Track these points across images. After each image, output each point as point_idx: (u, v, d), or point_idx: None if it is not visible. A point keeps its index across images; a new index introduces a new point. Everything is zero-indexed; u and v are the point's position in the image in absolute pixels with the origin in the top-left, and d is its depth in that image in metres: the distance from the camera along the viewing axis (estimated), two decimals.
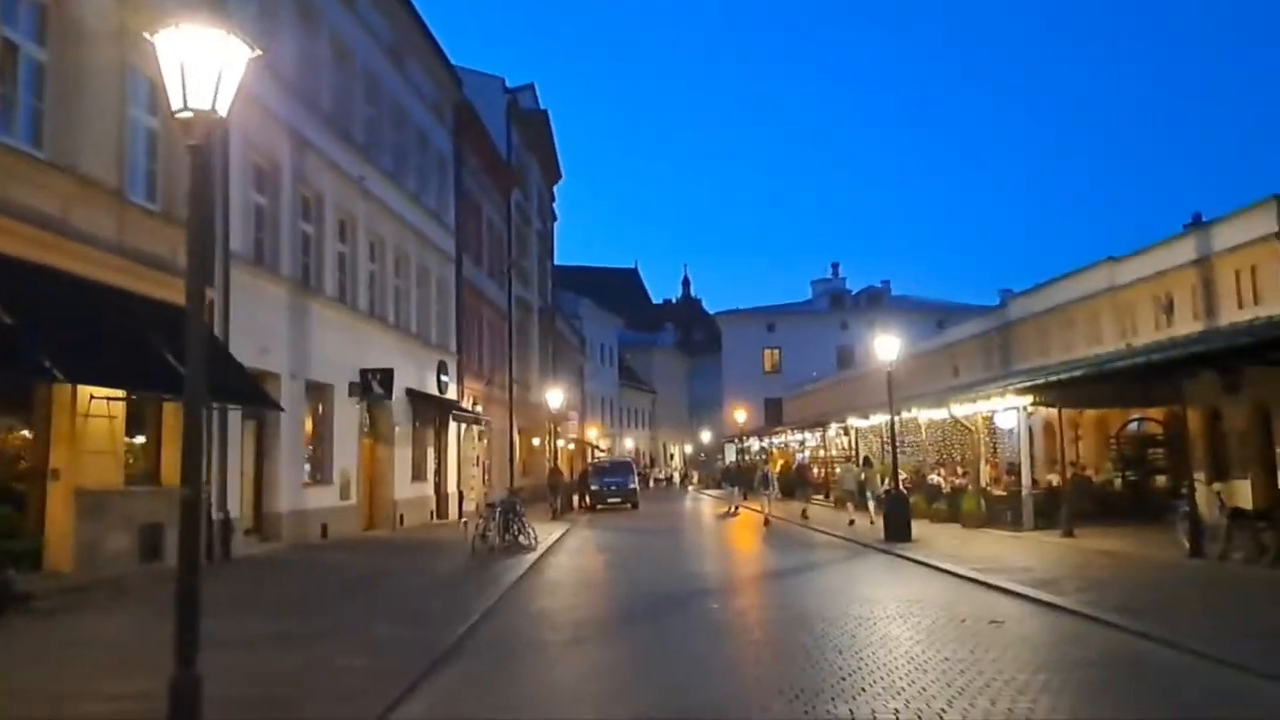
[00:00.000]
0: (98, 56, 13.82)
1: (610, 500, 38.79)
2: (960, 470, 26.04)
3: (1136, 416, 23.12)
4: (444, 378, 30.34)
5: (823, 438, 40.51)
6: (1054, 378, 18.60)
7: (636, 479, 41.63)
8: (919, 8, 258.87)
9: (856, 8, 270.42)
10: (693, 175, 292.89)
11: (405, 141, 28.03)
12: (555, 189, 58.87)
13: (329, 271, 22.33)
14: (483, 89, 38.85)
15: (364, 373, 23.47)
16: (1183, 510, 15.70)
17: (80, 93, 13.50)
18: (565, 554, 19.96)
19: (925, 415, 26.79)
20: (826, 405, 51.69)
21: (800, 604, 11.82)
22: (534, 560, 17.84)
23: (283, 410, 17.37)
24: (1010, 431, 27.28)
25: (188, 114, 5.59)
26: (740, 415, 63.44)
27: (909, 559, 16.81)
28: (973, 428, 23.62)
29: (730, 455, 63.23)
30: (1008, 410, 22.51)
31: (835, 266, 75.42)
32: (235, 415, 17.47)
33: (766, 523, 27.27)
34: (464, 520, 16.27)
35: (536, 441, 45.16)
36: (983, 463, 23.52)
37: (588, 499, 39.25)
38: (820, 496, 36.39)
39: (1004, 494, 22.26)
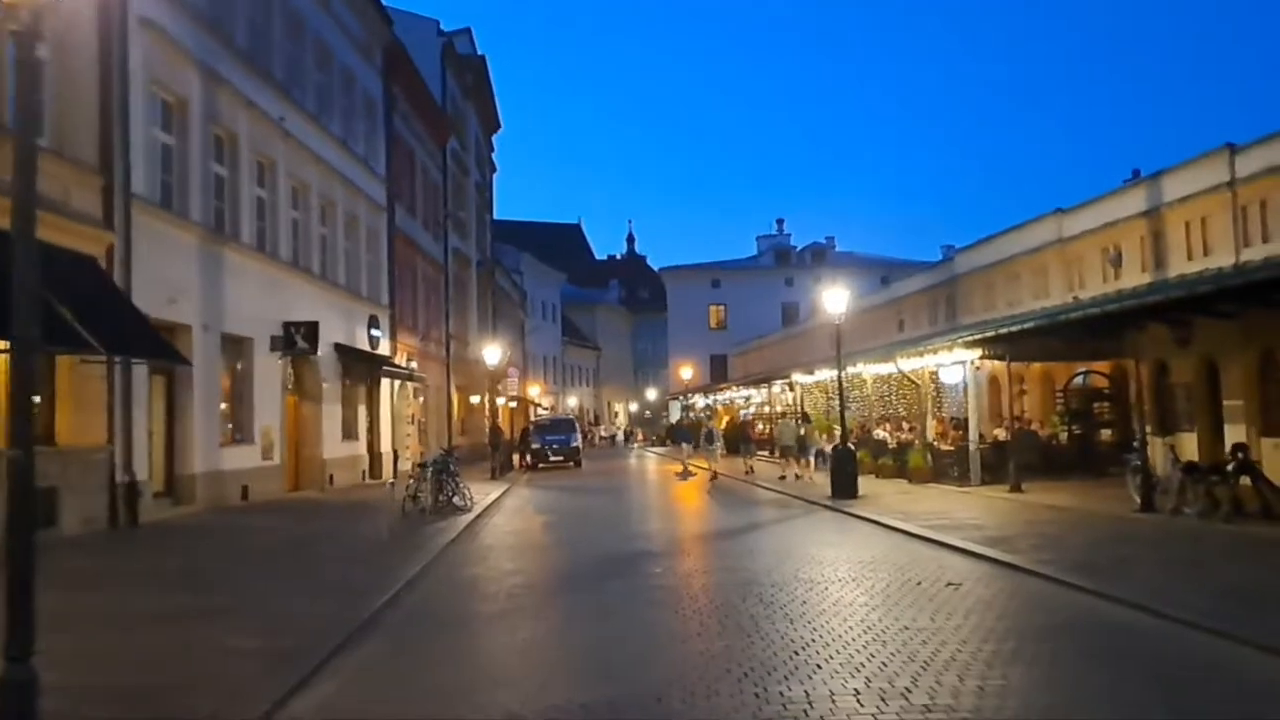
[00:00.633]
0: None
1: (552, 459, 37.99)
2: (906, 425, 25.62)
3: (1082, 370, 22.80)
4: (375, 332, 29.11)
5: (768, 394, 40.03)
6: (1004, 329, 18.07)
7: (579, 437, 40.81)
8: None
9: None
10: (637, 130, 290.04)
11: (330, 82, 26.50)
12: (494, 139, 57.26)
13: (246, 217, 20.96)
14: (416, 31, 37.12)
15: (287, 326, 22.20)
16: (1134, 464, 15.28)
17: None
18: (502, 515, 19.10)
19: (871, 370, 26.29)
20: (772, 362, 51.34)
21: (747, 566, 11.10)
22: (468, 522, 16.95)
23: (189, 364, 16.11)
24: (956, 386, 26.93)
25: None
26: (686, 372, 62.97)
27: (857, 516, 16.25)
28: (920, 382, 23.12)
29: (676, 413, 62.76)
30: (955, 364, 22.04)
31: (780, 223, 74.98)
32: (140, 370, 16.23)
33: (714, 478, 26.78)
34: (390, 482, 15.22)
35: (476, 399, 44.05)
36: (929, 418, 23.05)
37: (529, 458, 38.40)
38: (764, 452, 35.95)
39: (951, 449, 21.84)
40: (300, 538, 14.45)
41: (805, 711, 5.58)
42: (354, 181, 27.85)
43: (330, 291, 25.91)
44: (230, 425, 20.43)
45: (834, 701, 5.75)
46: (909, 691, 5.90)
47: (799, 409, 33.10)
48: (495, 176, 58.53)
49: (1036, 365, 23.03)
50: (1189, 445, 18.48)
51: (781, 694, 5.92)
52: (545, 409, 62.48)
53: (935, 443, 22.56)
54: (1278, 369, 16.29)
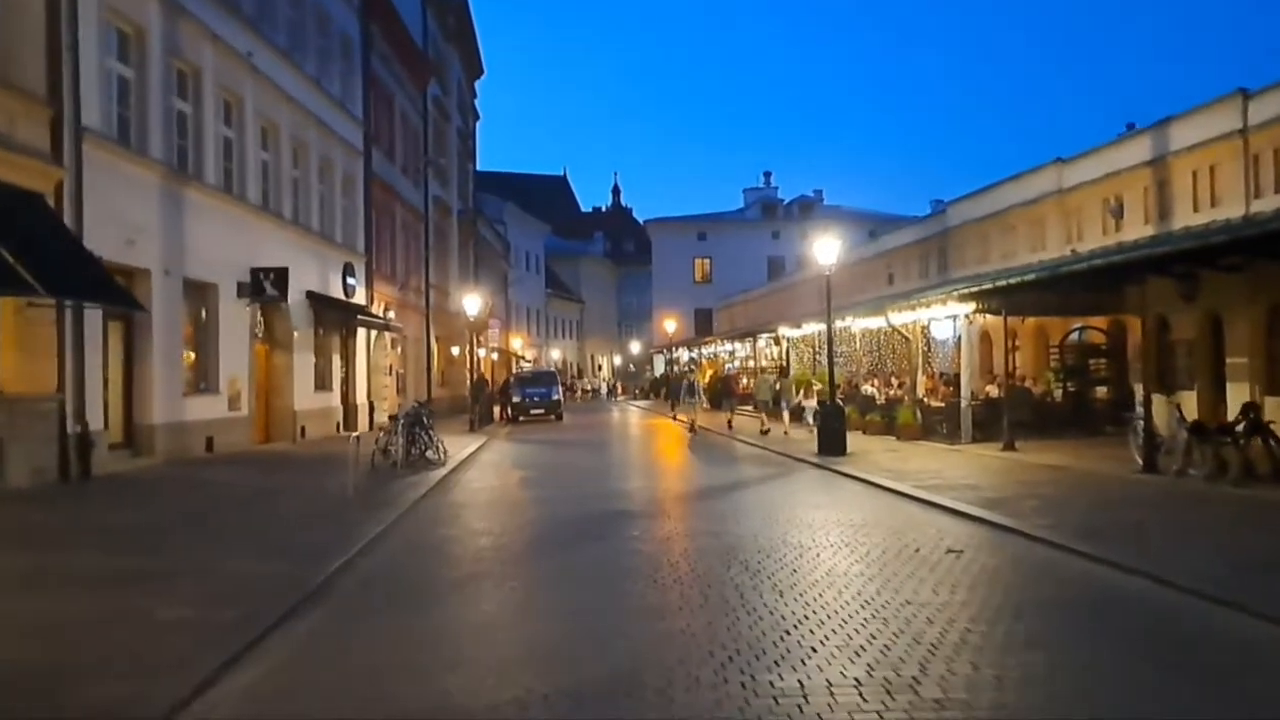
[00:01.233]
0: None
1: (533, 412, 37.29)
2: (896, 381, 24.96)
3: (1078, 325, 22.15)
4: (350, 280, 28.17)
5: (753, 348, 39.32)
6: (1001, 282, 17.32)
7: (561, 390, 40.08)
8: None
9: None
10: (623, 81, 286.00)
11: (303, 19, 25.27)
12: (477, 85, 55.75)
13: (211, 157, 19.93)
14: None
15: (255, 272, 21.29)
16: (1137, 423, 14.65)
17: None
18: (477, 470, 18.39)
19: (860, 324, 25.57)
20: (757, 315, 50.64)
21: (732, 529, 10.42)
22: (440, 478, 16.24)
23: (144, 309, 15.21)
24: (946, 341, 26.30)
25: None
26: (670, 325, 62.15)
27: (846, 475, 15.61)
28: (910, 337, 22.42)
29: (660, 366, 62.05)
30: (949, 318, 21.37)
31: (767, 175, 73.87)
32: (94, 315, 15.34)
33: (693, 430, 26.18)
34: (355, 435, 14.46)
35: (456, 351, 43.19)
36: (919, 373, 22.39)
37: (509, 410, 37.70)
38: (747, 407, 35.37)
39: (941, 405, 21.20)
40: (259, 492, 13.70)
41: (799, 707, 4.88)
42: (328, 123, 26.73)
43: (303, 237, 24.93)
44: (194, 374, 19.62)
45: (832, 694, 5.05)
46: (917, 682, 5.22)
47: (784, 363, 32.43)
48: (479, 124, 57.12)
49: (1030, 320, 22.37)
50: (1189, 404, 17.89)
51: (772, 684, 5.22)
52: (528, 361, 61.68)
53: (925, 399, 21.93)
54: None
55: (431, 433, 19.02)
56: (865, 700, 4.95)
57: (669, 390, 37.23)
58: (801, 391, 27.10)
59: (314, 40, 26.02)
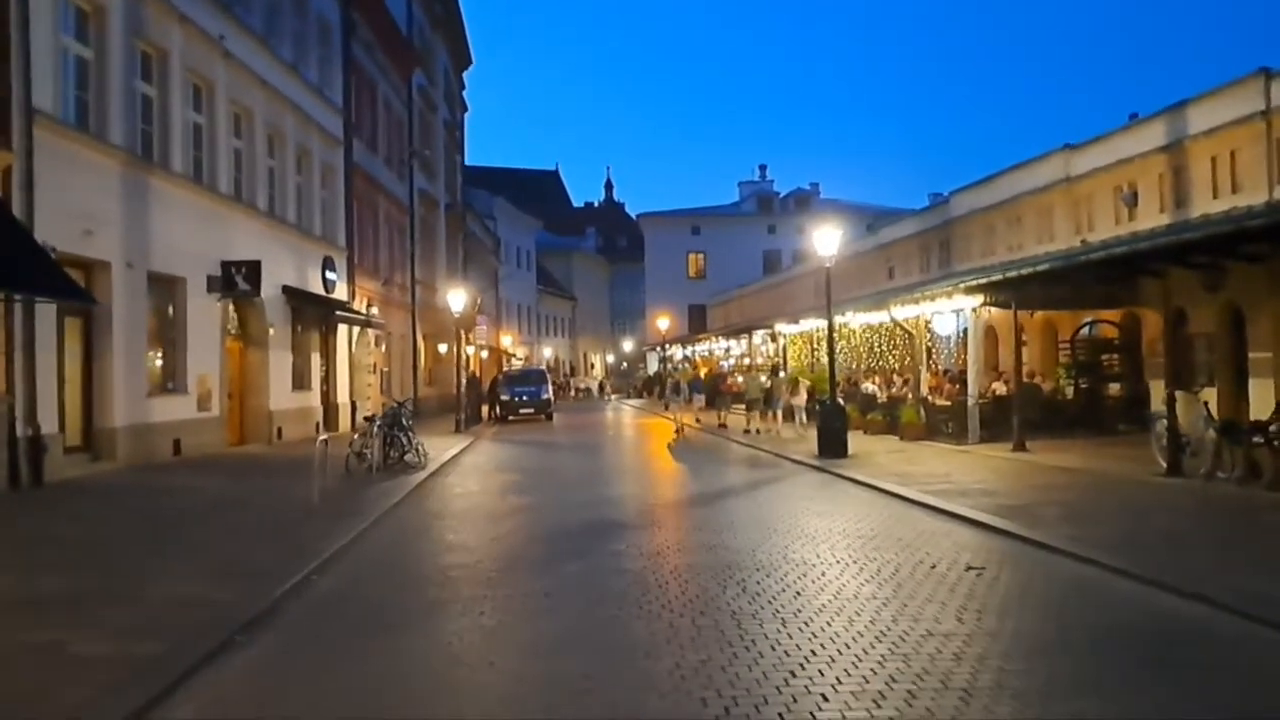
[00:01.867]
0: None
1: (522, 411, 36.31)
2: (900, 378, 24.02)
3: (1089, 319, 21.23)
4: (330, 275, 27.15)
5: (748, 345, 38.39)
6: (1013, 273, 16.38)
7: (551, 388, 39.09)
8: None
9: None
10: (617, 75, 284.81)
11: (279, 1, 24.25)
12: (465, 77, 54.69)
13: (178, 144, 18.91)
14: None
15: (226, 265, 20.28)
16: (1160, 422, 13.74)
17: None
18: (458, 474, 17.42)
19: (861, 319, 24.64)
20: (753, 311, 49.73)
21: (728, 543, 9.46)
22: (418, 483, 15.30)
23: (95, 303, 14.21)
24: (949, 337, 25.39)
25: None
26: (663, 322, 61.08)
27: (849, 479, 14.67)
28: (914, 332, 21.48)
29: (653, 364, 61.06)
30: (954, 312, 20.47)
31: (763, 169, 72.93)
32: (48, 310, 14.36)
33: (678, 431, 25.37)
34: (323, 438, 13.50)
35: (444, 348, 42.16)
36: (923, 370, 21.45)
37: (497, 410, 36.73)
38: (740, 406, 34.45)
39: (947, 404, 20.28)
40: (219, 500, 12.73)
41: None
42: (306, 111, 25.71)
43: (278, 229, 23.93)
44: (161, 373, 18.64)
45: None
46: None
47: (780, 360, 31.51)
48: (467, 117, 56.06)
49: (1039, 315, 21.44)
50: (1190, 402, 17.00)
51: None
52: (520, 359, 60.67)
53: (929, 397, 21.00)
54: None
55: (411, 434, 18.07)
56: None
57: (661, 389, 36.38)
58: (788, 389, 26.27)
59: (290, 24, 25.00)
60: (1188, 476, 12.78)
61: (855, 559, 8.57)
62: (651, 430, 29.28)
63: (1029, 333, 23.19)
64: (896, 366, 24.81)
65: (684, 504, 13.06)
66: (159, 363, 18.58)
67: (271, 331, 22.99)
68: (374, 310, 31.79)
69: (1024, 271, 15.97)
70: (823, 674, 5.36)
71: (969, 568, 8.10)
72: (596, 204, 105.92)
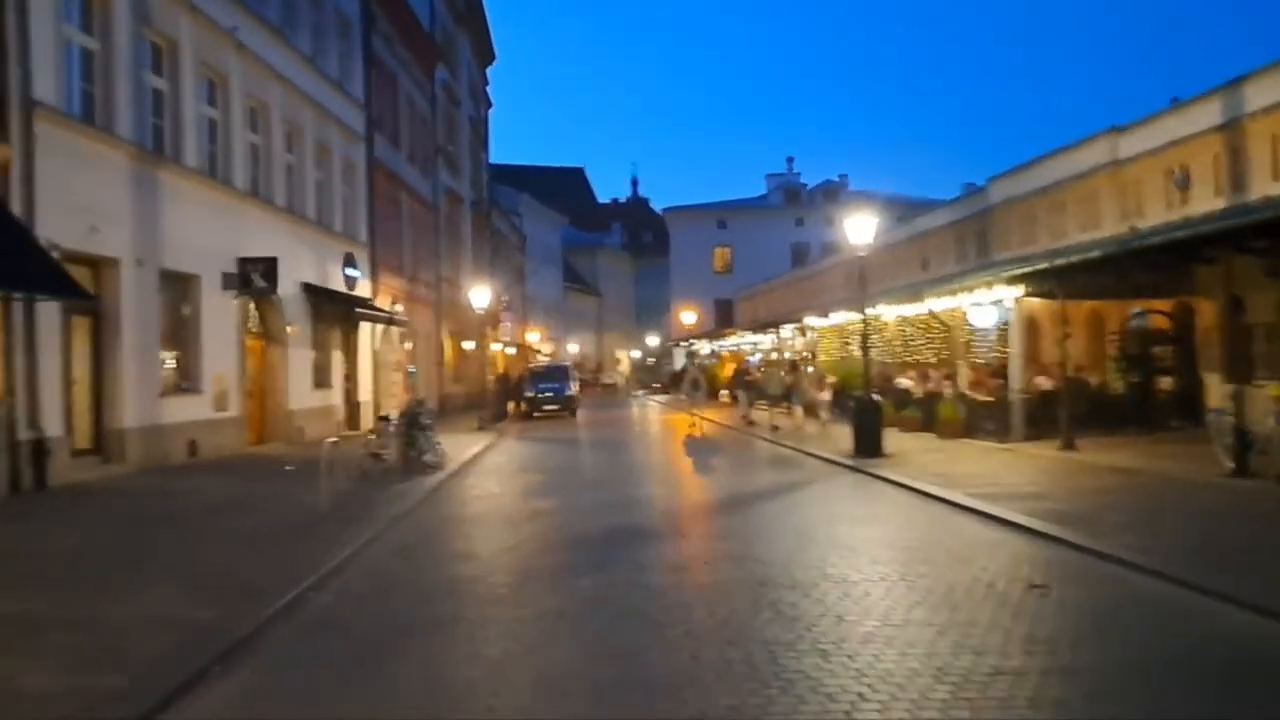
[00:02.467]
0: None
1: (546, 408, 35.75)
2: (941, 373, 23.08)
3: (1138, 309, 20.23)
4: (352, 272, 26.64)
5: (776, 339, 37.50)
6: (1060, 261, 15.48)
7: (575, 385, 38.47)
8: None
9: None
10: (641, 69, 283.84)
11: None
12: (489, 73, 54.16)
13: (191, 138, 18.40)
14: None
15: (242, 262, 19.77)
16: (1224, 418, 12.83)
17: None
18: (477, 475, 16.78)
19: (894, 311, 23.73)
20: (780, 305, 48.83)
21: (759, 555, 8.72)
22: (435, 485, 14.69)
23: (92, 299, 13.66)
24: (988, 329, 24.47)
25: None
26: (688, 317, 60.25)
27: (887, 480, 13.87)
28: (952, 324, 20.59)
29: (679, 360, 60.25)
30: (994, 303, 19.59)
31: (790, 161, 72.15)
32: (51, 309, 13.85)
33: (693, 426, 24.77)
34: (332, 440, 12.87)
35: (470, 345, 41.65)
36: (961, 364, 20.54)
37: (522, 406, 36.20)
38: (764, 402, 33.66)
39: (988, 399, 19.38)
40: (222, 505, 12.15)
41: None
42: (325, 105, 25.18)
43: (297, 225, 23.42)
44: (175, 373, 18.14)
45: None
46: None
47: (810, 354, 30.70)
48: (491, 112, 55.55)
49: (1085, 305, 20.46)
50: (1258, 397, 16.06)
51: None
52: (545, 355, 60.16)
53: (968, 392, 20.10)
54: None
55: (430, 434, 17.46)
56: None
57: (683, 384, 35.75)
58: (812, 384, 25.63)
59: (307, 17, 24.46)
60: (1257, 477, 11.88)
61: (901, 574, 7.80)
62: (677, 427, 28.53)
63: (1073, 325, 22.21)
64: (933, 360, 23.91)
65: (711, 508, 12.32)
66: (173, 362, 18.09)
67: (291, 329, 22.50)
68: (398, 307, 31.27)
69: (1073, 259, 15.08)
70: None
71: (1031, 586, 7.30)
72: (622, 200, 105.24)
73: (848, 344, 29.40)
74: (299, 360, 23.05)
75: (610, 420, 34.29)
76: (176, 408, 17.61)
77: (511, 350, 51.38)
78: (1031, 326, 21.55)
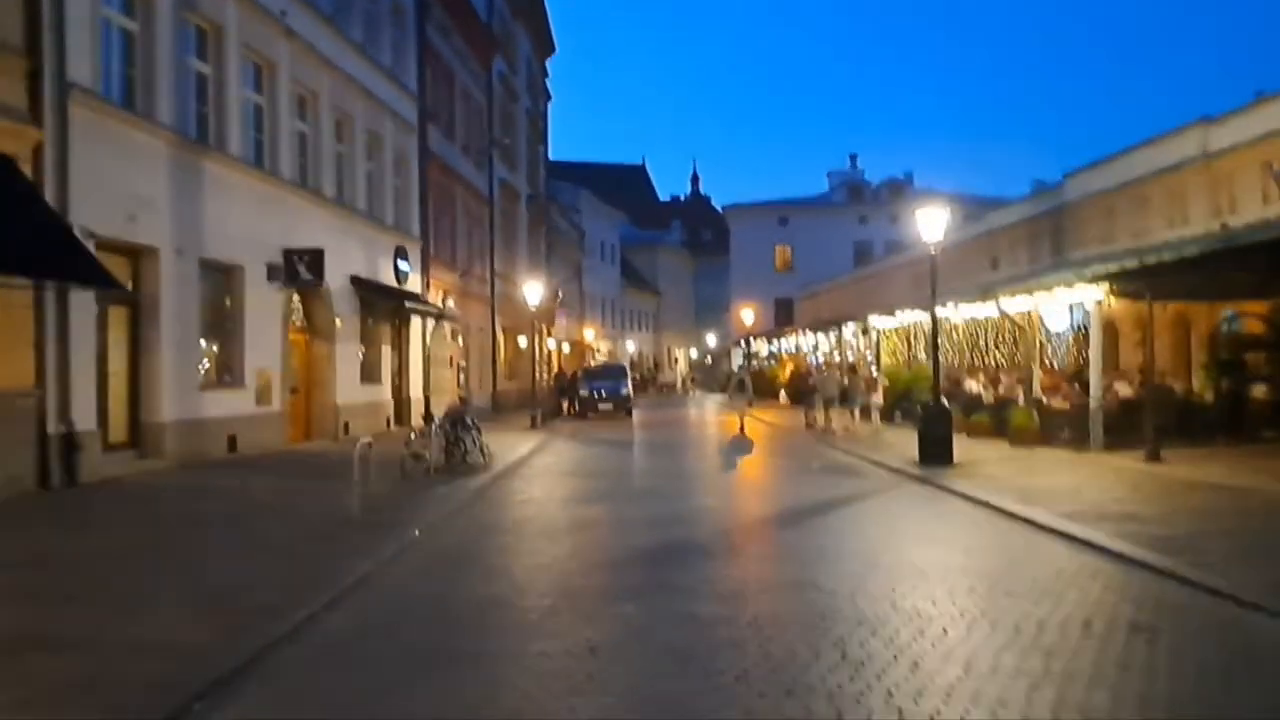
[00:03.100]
0: None
1: (601, 408, 35.03)
2: (1011, 376, 21.85)
3: (1229, 312, 18.85)
4: (403, 266, 26.15)
5: (838, 340, 36.34)
6: (1152, 259, 14.28)
7: (631, 384, 37.70)
8: None
9: None
10: (703, 65, 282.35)
11: None
12: (548, 65, 53.55)
13: (235, 126, 17.98)
14: None
15: (288, 253, 19.33)
16: None
17: None
18: (523, 479, 16.05)
19: (964, 312, 22.52)
20: (842, 305, 47.55)
21: (819, 582, 7.81)
22: (476, 489, 14.00)
23: (120, 288, 13.19)
24: (1062, 332, 23.22)
25: None
26: (748, 316, 59.17)
27: (959, 494, 12.83)
28: (1026, 326, 19.40)
29: (737, 359, 59.22)
30: (1070, 305, 18.42)
31: (853, 158, 70.56)
32: (85, 299, 13.44)
33: (741, 430, 23.89)
34: (366, 440, 12.20)
35: (524, 342, 41.11)
36: (1036, 368, 19.33)
37: (576, 405, 35.53)
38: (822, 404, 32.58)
39: (1065, 406, 18.17)
40: (252, 507, 11.58)
41: None
42: (377, 95, 24.73)
43: (346, 217, 22.97)
44: (216, 366, 17.74)
45: None
46: None
47: (878, 357, 29.60)
48: (550, 106, 54.94)
49: (1170, 307, 19.14)
50: None
51: None
52: (602, 353, 59.52)
53: (1043, 398, 18.90)
54: None
55: (476, 434, 16.80)
56: None
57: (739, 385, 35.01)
58: (865, 387, 24.77)
59: (360, 4, 24.02)
60: None
61: (983, 609, 6.84)
62: (734, 431, 27.60)
63: (1156, 328, 20.88)
64: (1004, 364, 22.69)
65: (768, 523, 11.41)
66: (214, 355, 17.68)
67: (339, 323, 22.05)
68: (450, 303, 30.80)
69: (1167, 257, 13.87)
70: None
71: (1135, 629, 6.31)
72: (682, 198, 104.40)
73: (913, 346, 28.24)
74: (346, 355, 22.59)
75: (665, 421, 33.44)
76: (216, 402, 17.19)
77: (567, 348, 50.83)
78: (1108, 330, 20.30)
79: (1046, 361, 20.37)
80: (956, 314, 23.02)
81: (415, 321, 27.32)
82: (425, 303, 27.50)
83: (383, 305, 24.77)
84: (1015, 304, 19.06)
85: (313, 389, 21.73)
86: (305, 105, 21.19)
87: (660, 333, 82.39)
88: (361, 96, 23.76)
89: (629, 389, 36.65)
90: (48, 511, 11.23)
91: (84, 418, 13.38)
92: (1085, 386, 18.13)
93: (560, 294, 47.89)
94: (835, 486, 14.43)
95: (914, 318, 25.88)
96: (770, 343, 52.15)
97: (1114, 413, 17.26)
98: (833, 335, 37.12)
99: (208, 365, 17.39)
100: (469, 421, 16.91)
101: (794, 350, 46.11)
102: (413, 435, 15.78)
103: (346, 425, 21.85)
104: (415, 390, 27.41)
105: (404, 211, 27.32)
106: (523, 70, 44.68)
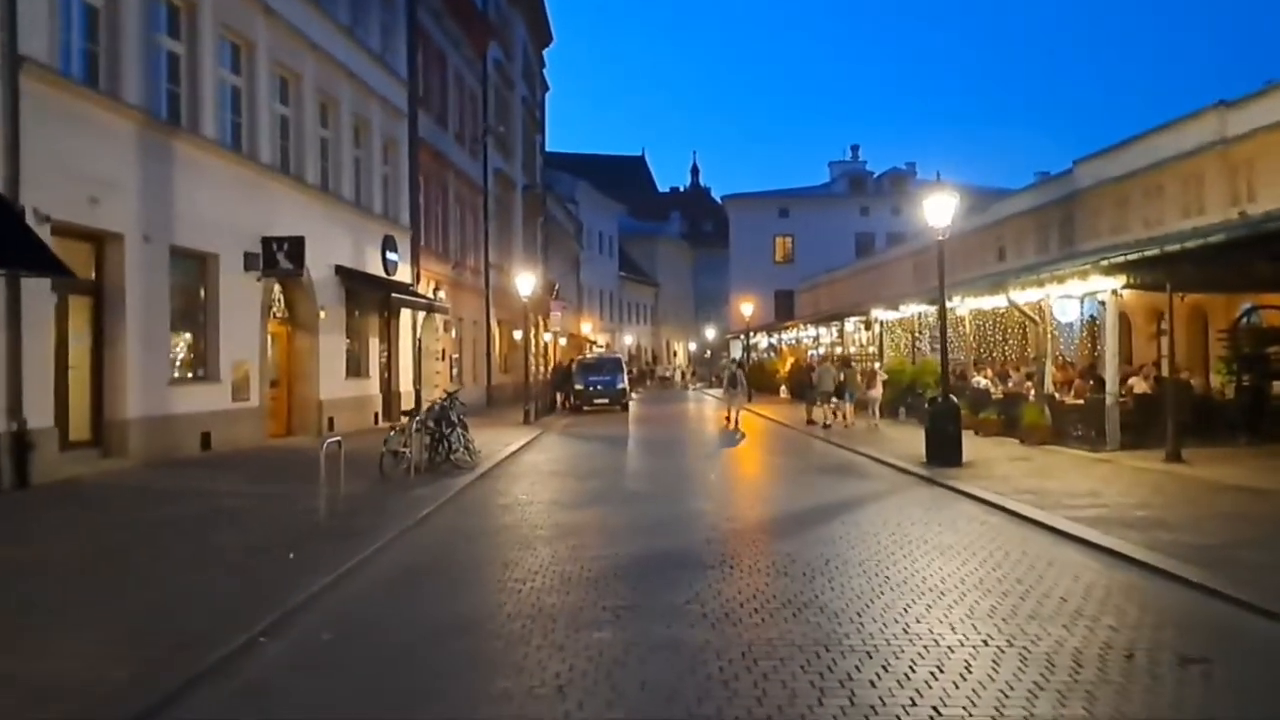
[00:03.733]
0: None
1: (596, 401, 34.22)
2: (1022, 371, 21.01)
3: (1249, 305, 18.03)
4: (391, 256, 25.33)
5: (839, 333, 35.52)
6: (1173, 247, 13.45)
7: (626, 377, 36.88)
8: None
9: None
10: (703, 55, 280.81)
11: None
12: (546, 55, 52.66)
13: (210, 107, 17.16)
14: None
15: (266, 241, 18.51)
16: None
17: None
18: (509, 479, 15.23)
19: (971, 304, 21.71)
20: (844, 297, 46.80)
21: (823, 598, 7.01)
22: (457, 490, 13.21)
23: (72, 276, 12.34)
24: (1072, 325, 22.45)
25: None
26: (747, 308, 58.35)
27: (970, 496, 12.04)
28: (1038, 319, 18.58)
29: (736, 352, 58.40)
30: (1083, 296, 17.62)
31: (855, 149, 69.51)
32: (39, 287, 12.62)
33: (733, 426, 23.97)
34: (332, 438, 11.41)
35: (519, 335, 40.29)
36: (1048, 363, 18.51)
37: (571, 399, 34.72)
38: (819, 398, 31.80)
39: (1078, 403, 17.35)
40: (214, 511, 10.77)
41: None
42: (364, 79, 23.88)
43: (331, 205, 22.16)
44: (188, 360, 16.93)
45: None
46: None
47: (881, 350, 28.80)
48: (548, 97, 54.06)
49: (1188, 299, 18.31)
50: None
51: None
52: (600, 346, 58.69)
53: (1056, 394, 18.08)
54: None
55: (462, 430, 16.00)
56: None
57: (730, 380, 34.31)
58: (863, 381, 24.06)
59: None
60: None
61: (1009, 636, 6.02)
62: (728, 426, 26.82)
63: (1174, 320, 20.05)
64: (1012, 358, 21.87)
65: (767, 529, 10.59)
66: (187, 347, 16.88)
67: (322, 315, 21.25)
68: (441, 294, 29.98)
69: (1189, 245, 13.03)
70: None
71: (1182, 661, 5.50)
72: (682, 189, 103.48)
73: (918, 339, 27.44)
74: (330, 347, 21.79)
75: (662, 416, 32.62)
76: (188, 397, 16.41)
77: (564, 340, 49.99)
78: (1121, 322, 19.49)
79: (1058, 355, 19.53)
80: (963, 306, 22.22)
81: (405, 313, 26.50)
82: (415, 294, 26.69)
83: (370, 296, 23.97)
84: (1026, 295, 18.23)
85: (294, 383, 20.96)
86: (287, 87, 20.38)
87: (659, 325, 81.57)
88: (347, 79, 22.93)
89: (625, 382, 35.83)
90: None
91: (38, 414, 12.59)
92: (1099, 381, 17.33)
93: (557, 286, 47.09)
94: (838, 488, 13.61)
95: (918, 310, 25.07)
96: (770, 336, 51.33)
97: (1130, 409, 16.45)
98: (834, 329, 36.31)
99: (180, 358, 16.58)
100: (454, 417, 16.09)
101: (794, 344, 45.30)
102: (392, 432, 14.96)
103: (331, 420, 21.06)
104: (405, 384, 26.62)
105: (393, 200, 26.50)
106: (519, 58, 43.80)
